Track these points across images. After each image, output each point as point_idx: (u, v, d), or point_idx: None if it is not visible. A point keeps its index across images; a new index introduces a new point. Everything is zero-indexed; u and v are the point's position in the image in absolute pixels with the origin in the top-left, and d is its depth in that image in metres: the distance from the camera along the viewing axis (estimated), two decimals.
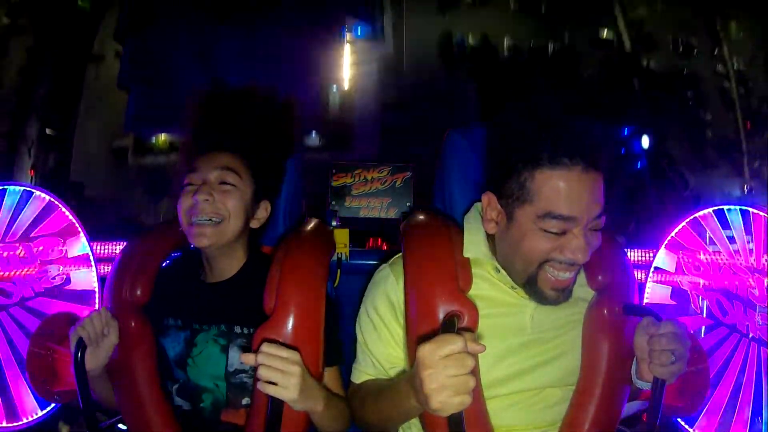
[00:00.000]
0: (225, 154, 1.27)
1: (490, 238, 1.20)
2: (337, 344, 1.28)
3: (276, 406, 1.04)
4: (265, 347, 1.03)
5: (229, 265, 1.30)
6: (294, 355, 1.04)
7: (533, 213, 1.05)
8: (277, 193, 1.39)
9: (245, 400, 1.24)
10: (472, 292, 1.15)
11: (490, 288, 1.19)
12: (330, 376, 1.26)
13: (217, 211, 1.22)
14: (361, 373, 1.25)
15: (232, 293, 1.29)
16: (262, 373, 1.01)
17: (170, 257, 1.43)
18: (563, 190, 1.03)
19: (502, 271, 1.17)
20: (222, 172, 1.25)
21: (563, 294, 1.11)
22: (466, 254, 1.19)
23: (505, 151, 1.10)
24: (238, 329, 1.25)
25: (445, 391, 0.87)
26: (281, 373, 1.01)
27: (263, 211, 1.33)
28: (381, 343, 1.21)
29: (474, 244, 1.19)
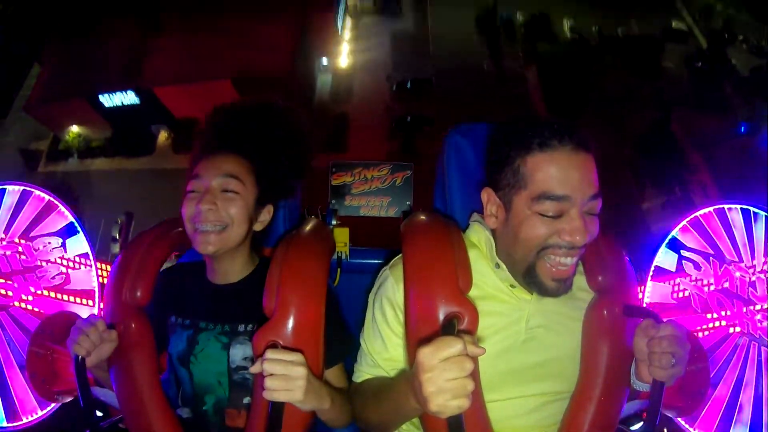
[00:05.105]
0: (228, 159, 1.27)
1: (492, 235, 1.20)
2: (341, 341, 1.27)
3: (277, 406, 1.04)
4: (270, 353, 1.03)
5: (232, 268, 1.32)
6: (298, 357, 1.05)
7: (528, 197, 1.08)
8: (281, 197, 1.39)
9: (246, 399, 1.25)
10: (471, 292, 1.15)
11: (489, 287, 1.19)
12: (334, 374, 1.26)
13: (220, 219, 1.23)
14: (362, 373, 1.26)
15: (238, 296, 1.30)
16: (268, 383, 1.02)
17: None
18: (555, 170, 1.05)
19: (502, 265, 1.17)
20: (224, 180, 1.24)
21: (563, 285, 1.12)
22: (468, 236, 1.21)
23: (501, 146, 1.13)
24: (241, 327, 1.27)
25: (443, 394, 0.87)
26: (286, 378, 1.02)
27: (266, 215, 1.33)
28: (382, 346, 1.21)
29: (476, 233, 1.23)
